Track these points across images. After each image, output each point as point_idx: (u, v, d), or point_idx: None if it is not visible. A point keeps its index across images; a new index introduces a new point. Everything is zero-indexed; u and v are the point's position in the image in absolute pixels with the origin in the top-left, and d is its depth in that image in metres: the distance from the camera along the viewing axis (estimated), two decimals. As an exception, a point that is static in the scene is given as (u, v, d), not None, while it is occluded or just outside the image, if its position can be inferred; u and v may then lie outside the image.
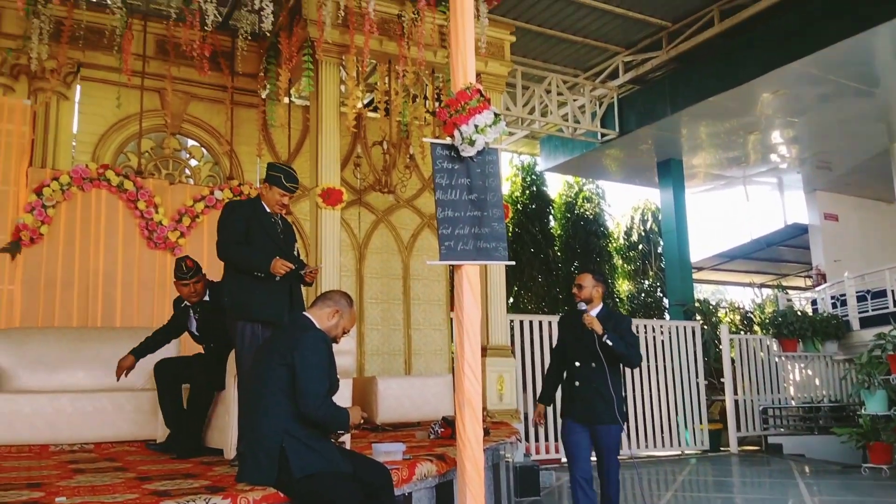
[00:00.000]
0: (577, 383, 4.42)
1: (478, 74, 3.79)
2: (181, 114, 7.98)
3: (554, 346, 5.20)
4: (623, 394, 4.40)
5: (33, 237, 6.62)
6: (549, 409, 5.28)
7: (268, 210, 4.19)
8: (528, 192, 14.80)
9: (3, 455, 4.92)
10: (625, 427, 4.40)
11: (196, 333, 5.16)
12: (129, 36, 6.94)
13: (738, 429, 10.50)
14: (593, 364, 4.34)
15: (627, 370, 8.30)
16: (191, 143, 8.21)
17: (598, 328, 4.26)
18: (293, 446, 2.95)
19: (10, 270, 6.57)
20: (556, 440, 8.82)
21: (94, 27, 7.35)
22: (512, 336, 8.43)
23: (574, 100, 10.93)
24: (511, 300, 13.41)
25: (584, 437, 4.38)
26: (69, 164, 7.22)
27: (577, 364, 4.43)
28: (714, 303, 12.52)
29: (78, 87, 7.58)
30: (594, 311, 4.42)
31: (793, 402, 11.16)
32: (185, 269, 4.94)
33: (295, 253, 4.28)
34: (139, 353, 5.14)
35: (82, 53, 7.43)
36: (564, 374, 4.62)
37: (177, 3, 7.37)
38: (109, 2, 6.22)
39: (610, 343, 4.26)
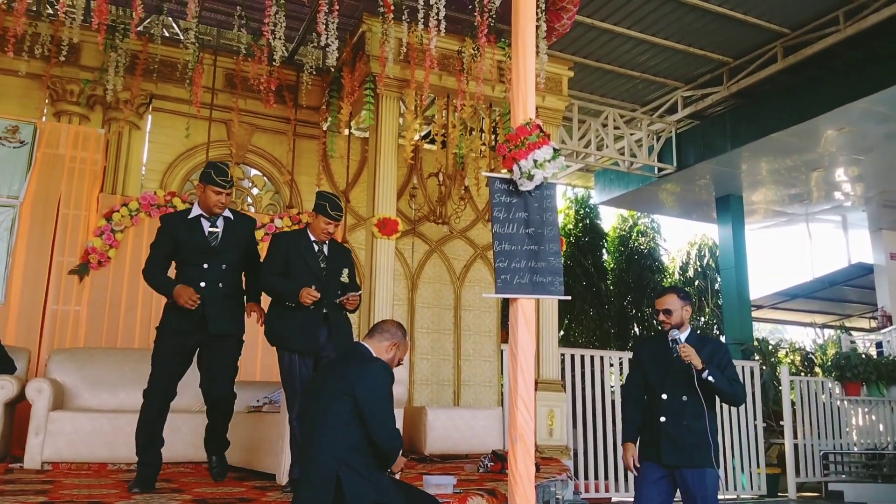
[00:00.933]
0: (662, 419, 3.79)
1: (535, 109, 3.82)
2: (246, 144, 8.25)
3: (626, 375, 4.88)
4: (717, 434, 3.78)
5: (101, 260, 6.88)
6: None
7: (313, 238, 4.29)
8: (581, 224, 14.72)
9: (63, 472, 5.07)
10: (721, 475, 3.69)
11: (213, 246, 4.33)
12: (200, 70, 7.25)
13: (798, 474, 10.09)
14: (684, 397, 3.76)
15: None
16: (253, 172, 8.47)
17: (698, 363, 3.68)
18: (348, 476, 2.97)
19: (77, 292, 6.83)
20: (605, 478, 8.64)
21: (167, 61, 7.70)
22: (563, 370, 8.33)
23: (631, 133, 10.88)
24: (561, 333, 13.27)
25: (664, 487, 3.78)
26: (138, 191, 7.52)
27: (664, 396, 3.81)
28: (773, 342, 12.14)
29: (149, 117, 7.93)
30: (683, 336, 3.86)
31: (855, 448, 10.68)
32: (227, 174, 4.32)
33: (344, 278, 4.31)
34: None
35: (155, 85, 7.78)
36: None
37: (246, 39, 7.67)
38: (183, 37, 6.51)
39: (712, 380, 3.68)
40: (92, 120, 7.66)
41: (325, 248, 4.31)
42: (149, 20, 8.03)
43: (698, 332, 3.93)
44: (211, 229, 4.29)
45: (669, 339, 3.82)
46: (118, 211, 6.99)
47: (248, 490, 4.26)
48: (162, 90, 7.87)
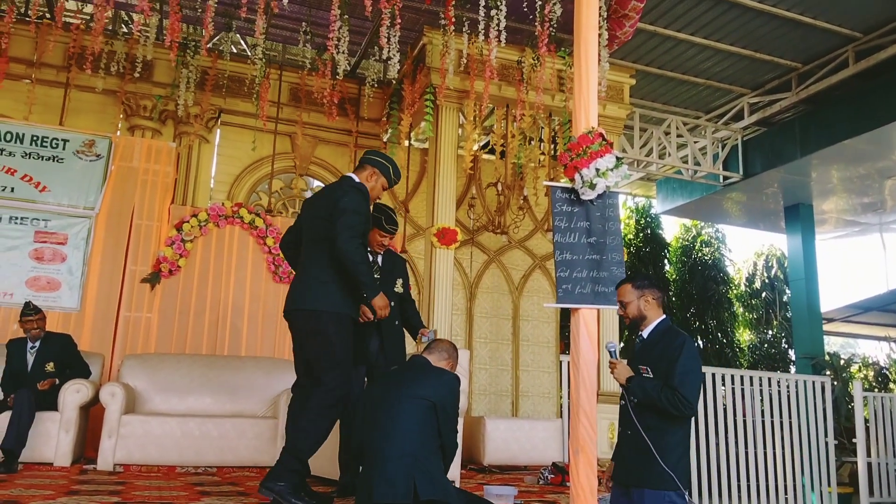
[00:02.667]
0: (620, 429, 3.35)
1: (597, 118, 3.78)
2: (309, 156, 8.45)
3: None
4: (681, 448, 3.14)
5: (172, 269, 7.12)
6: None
7: (368, 249, 4.33)
8: (642, 234, 14.48)
9: (134, 474, 5.23)
10: (686, 496, 3.07)
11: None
12: (266, 84, 7.47)
13: (871, 493, 9.63)
14: (634, 399, 3.22)
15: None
16: (316, 183, 8.65)
17: (622, 379, 3.24)
18: (420, 472, 3.10)
19: (149, 299, 7.08)
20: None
21: (235, 76, 7.97)
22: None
23: (695, 142, 10.66)
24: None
25: None
26: (207, 202, 7.78)
27: (622, 403, 3.31)
28: (845, 357, 11.68)
29: (218, 131, 8.21)
30: (647, 330, 3.32)
31: (934, 469, 10.15)
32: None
33: (398, 289, 4.37)
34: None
35: (223, 100, 8.05)
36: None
37: (311, 54, 7.86)
38: (250, 53, 6.71)
39: (632, 396, 3.20)
40: (164, 134, 7.97)
41: (380, 259, 4.39)
42: (218, 37, 8.31)
43: (670, 325, 3.30)
44: None
45: (606, 348, 3.40)
46: (188, 221, 7.23)
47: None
48: (230, 104, 8.13)
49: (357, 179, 3.93)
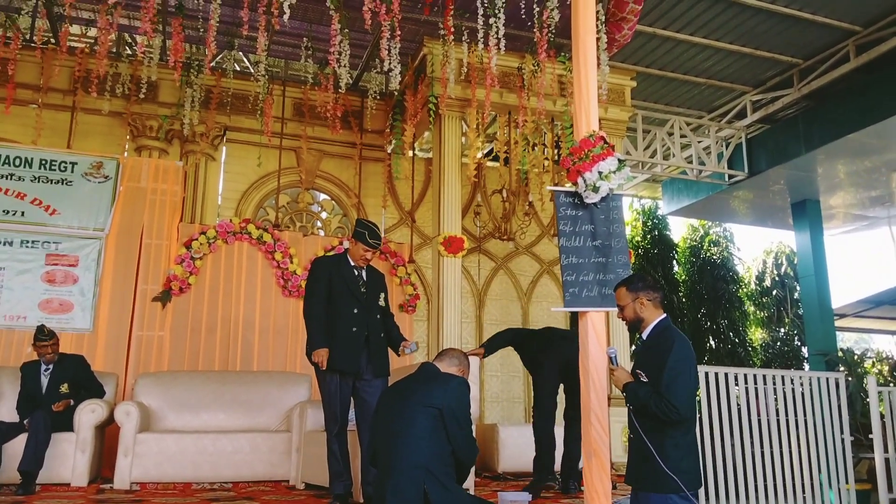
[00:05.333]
0: (630, 433, 3.30)
1: (598, 121, 3.81)
2: (314, 170, 8.50)
3: None
4: (683, 450, 3.08)
5: (182, 287, 7.16)
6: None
7: (352, 263, 4.44)
8: (649, 236, 14.46)
9: (151, 492, 5.26)
10: (692, 497, 3.03)
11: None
12: (270, 101, 7.54)
13: (890, 489, 9.52)
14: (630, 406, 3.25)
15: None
16: (322, 196, 8.71)
17: (619, 384, 3.23)
18: (433, 484, 3.08)
19: (160, 318, 7.12)
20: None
21: (239, 94, 8.05)
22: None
23: (699, 141, 10.66)
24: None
25: None
26: (215, 219, 7.84)
27: (628, 406, 3.27)
28: (859, 352, 11.59)
29: (224, 148, 8.28)
30: (646, 332, 3.28)
31: (953, 462, 10.05)
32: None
33: (381, 302, 4.52)
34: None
35: (228, 118, 8.12)
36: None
37: (313, 69, 7.92)
38: (253, 70, 6.77)
39: (627, 403, 3.20)
40: (170, 153, 8.04)
41: (364, 274, 4.50)
42: (221, 55, 8.40)
43: (667, 325, 3.25)
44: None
45: (607, 353, 3.40)
46: (197, 239, 7.27)
47: (327, 507, 4.33)
48: (235, 122, 8.20)
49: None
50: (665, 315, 3.30)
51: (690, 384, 3.11)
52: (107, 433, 5.96)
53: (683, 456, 3.06)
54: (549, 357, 5.27)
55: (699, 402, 4.34)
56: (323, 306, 4.36)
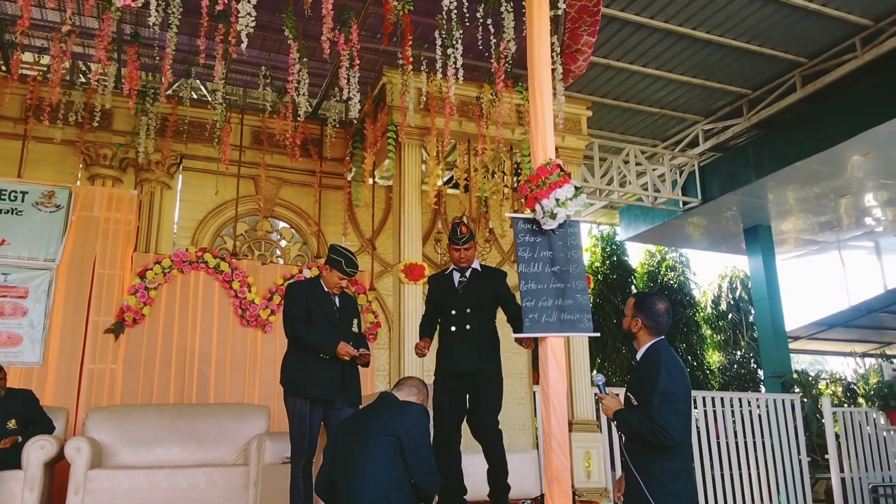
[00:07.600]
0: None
1: (555, 150, 3.87)
2: (273, 198, 8.44)
3: None
4: (669, 474, 3.09)
5: (136, 318, 6.99)
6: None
7: (325, 289, 4.43)
8: (608, 262, 14.66)
9: (104, 529, 5.09)
10: None
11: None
12: (228, 128, 7.47)
13: (848, 509, 9.74)
14: (624, 437, 3.29)
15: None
16: (281, 225, 8.64)
17: (609, 413, 3.27)
18: None
19: (113, 350, 6.92)
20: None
21: (195, 122, 7.96)
22: (598, 410, 8.20)
23: (653, 169, 10.90)
24: (594, 372, 13.11)
25: None
26: (170, 249, 7.70)
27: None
28: (813, 374, 11.87)
29: (180, 176, 8.17)
30: (639, 354, 3.31)
31: (905, 480, 10.29)
32: (459, 234, 4.82)
33: (354, 328, 4.52)
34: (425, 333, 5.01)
35: (185, 146, 8.03)
36: None
37: (272, 97, 7.91)
38: (210, 98, 6.73)
39: (619, 432, 3.25)
40: (125, 182, 7.91)
41: (337, 300, 4.51)
42: (177, 83, 8.32)
43: (655, 351, 3.23)
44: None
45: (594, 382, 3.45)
46: (151, 269, 7.12)
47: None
48: (191, 150, 8.11)
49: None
50: (658, 339, 3.28)
51: (682, 408, 3.11)
52: (57, 470, 5.74)
53: (669, 480, 3.06)
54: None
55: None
56: (305, 322, 4.34)
